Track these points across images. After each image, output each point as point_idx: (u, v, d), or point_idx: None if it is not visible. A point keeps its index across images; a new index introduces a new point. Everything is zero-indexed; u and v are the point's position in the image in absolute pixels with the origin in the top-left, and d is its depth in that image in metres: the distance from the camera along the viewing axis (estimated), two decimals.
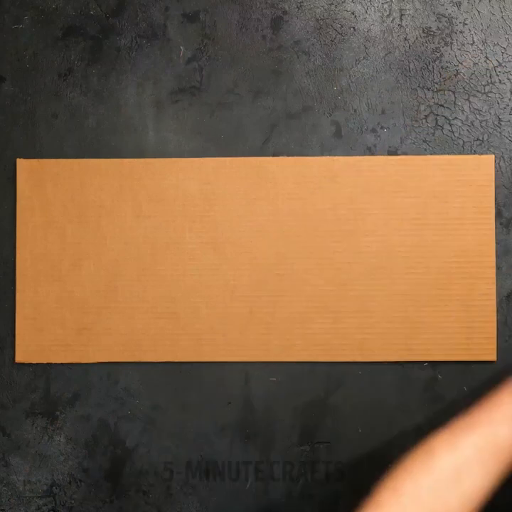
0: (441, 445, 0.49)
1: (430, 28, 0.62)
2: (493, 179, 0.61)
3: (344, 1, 0.63)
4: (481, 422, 0.49)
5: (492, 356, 0.61)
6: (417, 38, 0.62)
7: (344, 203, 0.62)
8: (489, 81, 0.62)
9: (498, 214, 0.62)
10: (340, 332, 0.61)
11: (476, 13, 0.62)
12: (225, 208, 0.62)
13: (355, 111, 0.62)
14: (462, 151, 0.62)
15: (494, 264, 0.61)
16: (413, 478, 0.48)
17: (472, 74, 0.62)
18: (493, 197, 0.61)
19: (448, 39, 0.62)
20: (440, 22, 0.62)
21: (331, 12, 0.63)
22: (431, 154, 0.62)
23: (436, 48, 0.62)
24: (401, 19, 0.63)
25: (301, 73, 0.63)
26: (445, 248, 0.61)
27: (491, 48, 0.62)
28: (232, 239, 0.62)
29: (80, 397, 0.62)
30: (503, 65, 0.62)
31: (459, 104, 0.62)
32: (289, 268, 0.61)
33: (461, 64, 0.62)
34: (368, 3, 0.63)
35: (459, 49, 0.62)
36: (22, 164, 0.62)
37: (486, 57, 0.62)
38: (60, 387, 0.62)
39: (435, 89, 0.62)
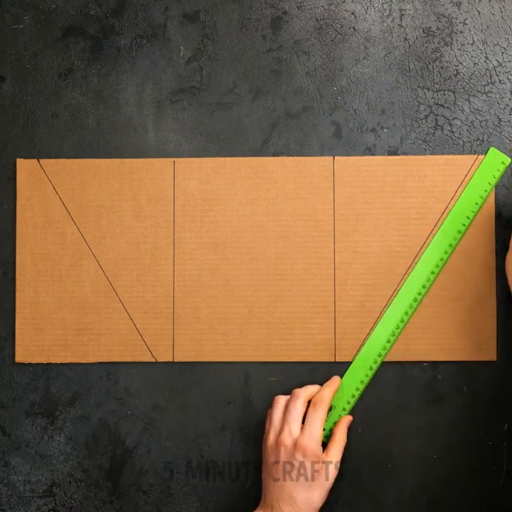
0: None
1: (430, 28, 0.62)
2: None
3: (344, 1, 0.63)
4: None
5: (492, 356, 0.61)
6: (417, 38, 0.62)
7: (344, 203, 0.62)
8: (489, 81, 0.62)
9: (498, 214, 0.61)
10: (340, 332, 0.61)
11: (476, 13, 0.62)
12: (225, 208, 0.62)
13: (355, 111, 0.62)
14: (462, 151, 0.62)
15: (494, 264, 0.61)
16: None
17: (472, 74, 0.62)
18: (493, 197, 0.61)
19: (448, 39, 0.62)
20: (440, 22, 0.62)
21: (331, 12, 0.63)
22: (431, 154, 0.62)
23: (436, 48, 0.62)
24: (401, 19, 0.63)
25: (301, 73, 0.63)
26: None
27: (491, 48, 0.62)
28: (232, 239, 0.62)
29: (79, 397, 0.62)
30: (503, 65, 0.62)
31: (459, 104, 0.62)
32: (289, 268, 0.61)
33: (461, 64, 0.62)
34: (368, 3, 0.63)
35: (459, 49, 0.62)
36: (22, 164, 0.62)
37: (486, 57, 0.62)
38: (60, 387, 0.62)
39: (435, 89, 0.62)
